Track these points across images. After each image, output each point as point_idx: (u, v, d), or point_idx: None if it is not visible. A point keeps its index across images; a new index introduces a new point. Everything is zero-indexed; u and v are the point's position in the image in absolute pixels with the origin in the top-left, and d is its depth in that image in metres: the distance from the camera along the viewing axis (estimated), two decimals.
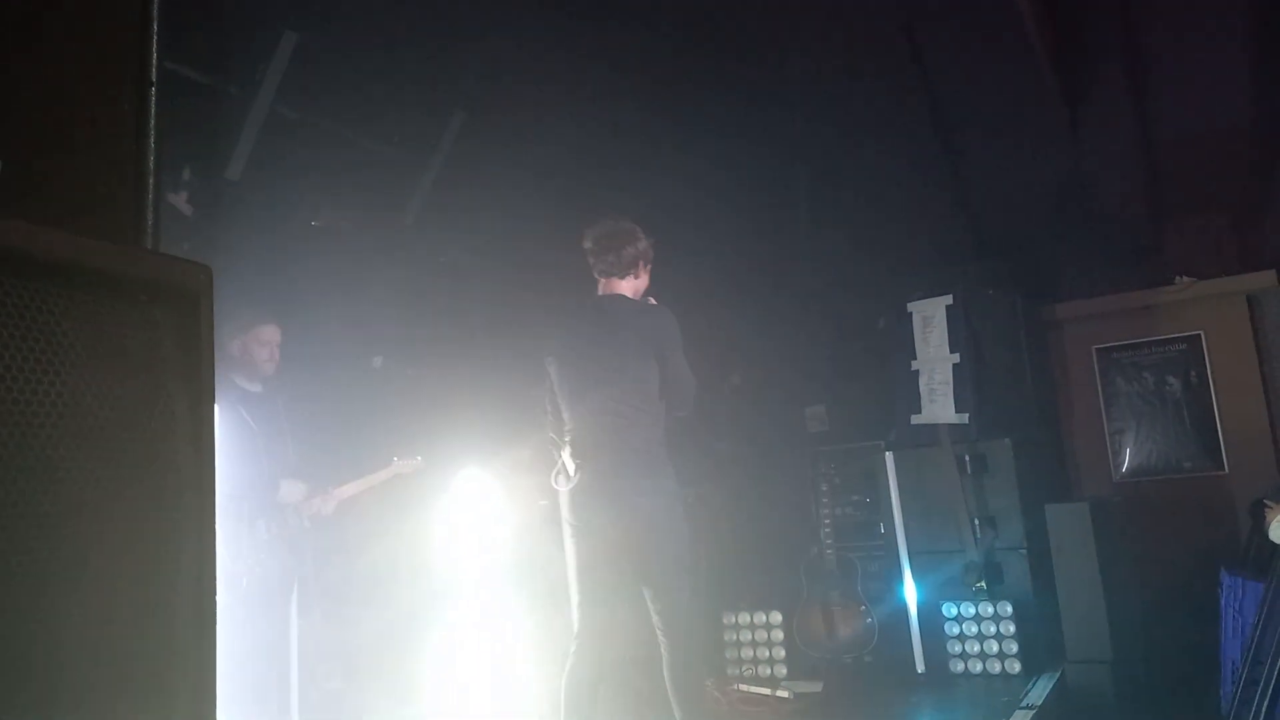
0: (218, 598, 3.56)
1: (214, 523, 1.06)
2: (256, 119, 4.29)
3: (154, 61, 1.17)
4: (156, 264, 1.03)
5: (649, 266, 3.49)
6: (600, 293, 3.46)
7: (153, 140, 1.16)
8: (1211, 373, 5.94)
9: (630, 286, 3.44)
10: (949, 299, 5.58)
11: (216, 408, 3.61)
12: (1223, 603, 4.54)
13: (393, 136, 4.96)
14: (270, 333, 3.96)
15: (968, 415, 5.38)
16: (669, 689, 3.21)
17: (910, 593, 4.98)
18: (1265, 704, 3.69)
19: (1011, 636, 4.79)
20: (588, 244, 3.44)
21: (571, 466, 3.26)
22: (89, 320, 0.93)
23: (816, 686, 4.84)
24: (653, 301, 3.52)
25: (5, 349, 0.83)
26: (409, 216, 5.20)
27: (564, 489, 3.30)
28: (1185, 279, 6.03)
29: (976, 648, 4.86)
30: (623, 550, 3.22)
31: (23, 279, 0.85)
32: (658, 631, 3.25)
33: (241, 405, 3.83)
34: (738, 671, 5.21)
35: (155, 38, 1.21)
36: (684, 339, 3.39)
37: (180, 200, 3.99)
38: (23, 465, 0.85)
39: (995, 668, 4.80)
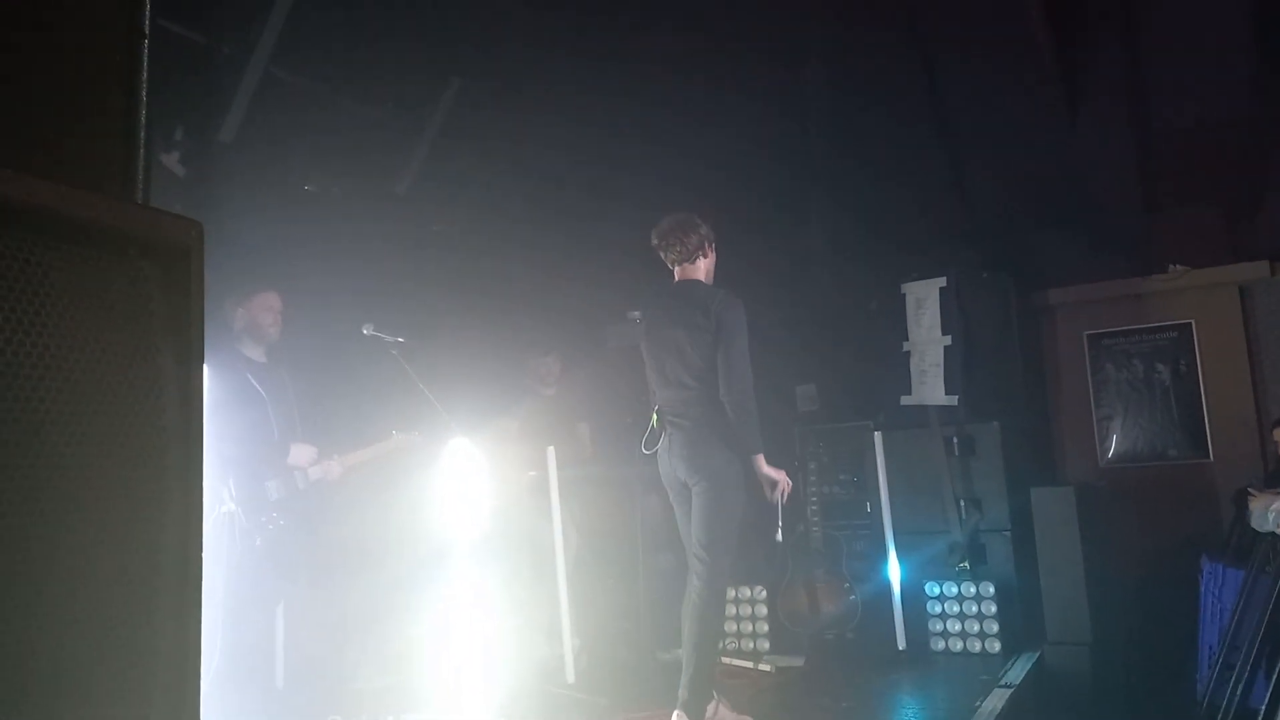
0: (233, 551, 3.53)
1: (200, 480, 1.05)
2: (251, 80, 4.24)
3: (146, 12, 1.15)
4: (146, 217, 1.01)
5: (714, 246, 3.78)
6: (676, 279, 3.79)
7: (144, 93, 1.14)
8: (1200, 361, 5.97)
9: (702, 269, 3.75)
10: (942, 281, 5.59)
11: (227, 378, 3.61)
12: (1202, 589, 4.59)
13: (387, 101, 4.91)
14: (273, 299, 3.98)
15: (957, 398, 5.40)
16: (694, 623, 3.51)
17: (894, 571, 5.02)
18: (1240, 688, 3.74)
19: (992, 616, 4.84)
20: (655, 241, 3.77)
21: (656, 432, 3.65)
22: (75, 273, 0.91)
23: (798, 661, 4.89)
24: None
25: None
26: (403, 184, 5.16)
27: (648, 451, 3.69)
28: (1178, 268, 6.04)
29: (957, 627, 4.91)
30: (683, 509, 3.64)
31: (7, 228, 0.84)
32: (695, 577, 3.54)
33: (249, 373, 3.86)
34: (721, 644, 5.25)
35: None
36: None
37: (173, 160, 3.96)
38: (4, 418, 0.84)
39: (975, 647, 4.85)
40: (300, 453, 3.98)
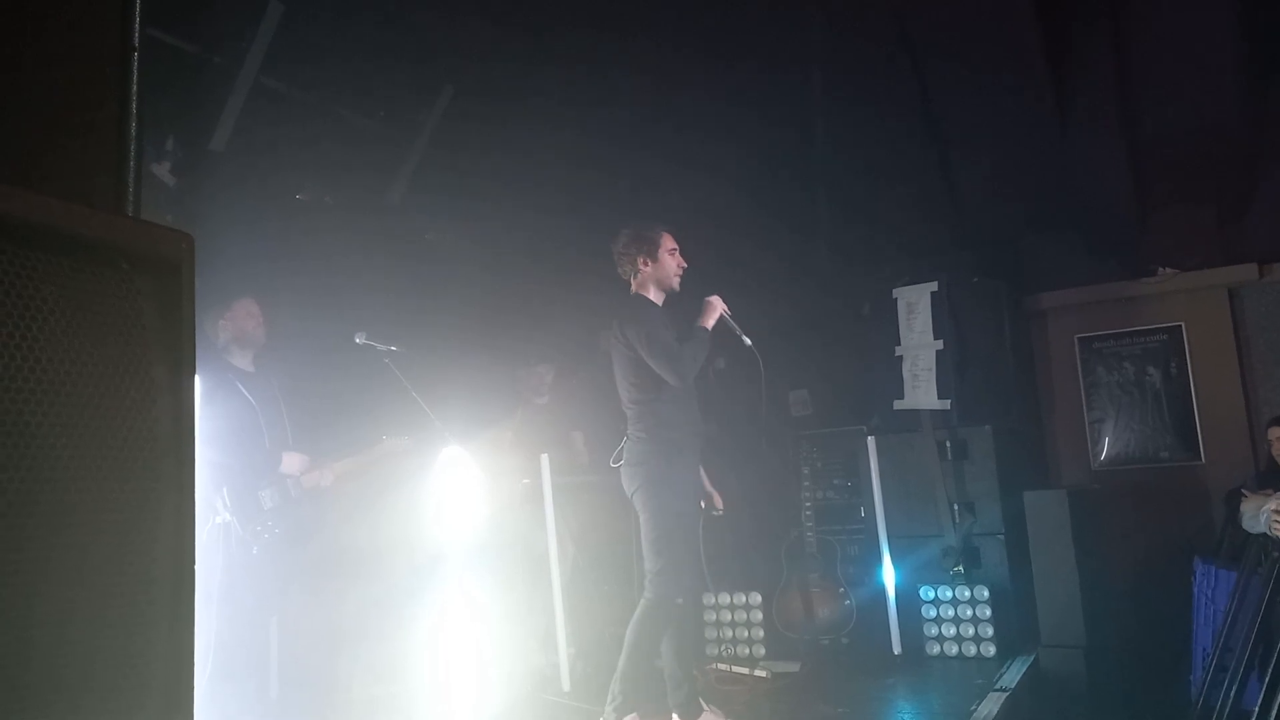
0: (231, 561, 3.50)
1: (193, 490, 1.05)
2: (241, 90, 4.24)
3: (136, 25, 1.16)
4: (137, 231, 1.02)
5: (649, 256, 3.70)
6: None
7: (134, 106, 1.15)
8: (1191, 364, 6.00)
9: (637, 284, 3.74)
10: (934, 286, 5.61)
11: (217, 388, 3.60)
12: (1195, 590, 4.60)
13: (379, 111, 4.91)
14: (252, 305, 3.98)
15: (950, 401, 5.42)
16: (630, 629, 3.55)
17: (889, 576, 5.02)
18: (1234, 690, 3.74)
19: (987, 620, 4.84)
20: None
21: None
22: (67, 285, 0.92)
23: (794, 666, 4.89)
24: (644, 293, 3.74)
25: None
26: (395, 193, 5.16)
27: (614, 465, 3.75)
28: (1168, 270, 6.07)
29: (953, 630, 4.92)
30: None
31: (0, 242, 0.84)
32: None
33: (239, 382, 3.86)
34: (717, 651, 5.25)
35: (139, 2, 1.19)
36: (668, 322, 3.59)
37: (163, 170, 3.95)
38: None
39: (970, 650, 4.86)
40: (292, 461, 3.98)
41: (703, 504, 3.80)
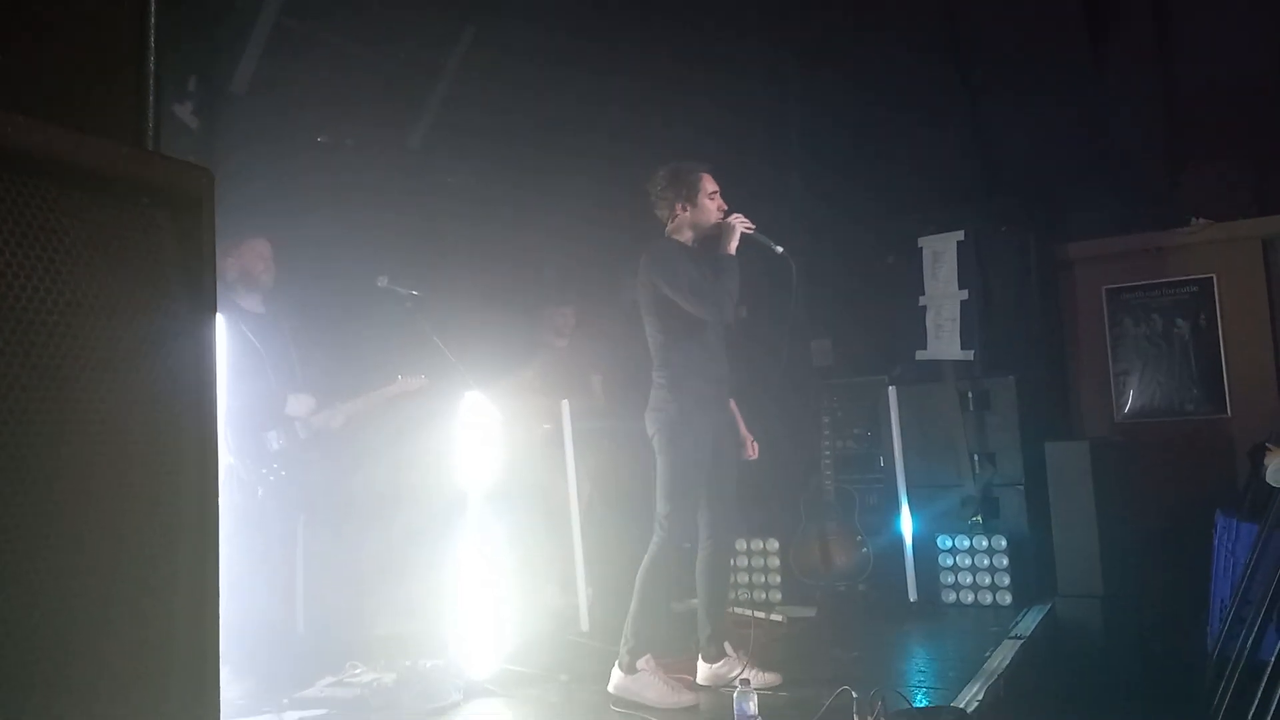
0: (235, 503, 3.52)
1: (215, 430, 1.06)
2: (262, 31, 4.21)
3: None
4: (157, 165, 1.01)
5: (677, 202, 3.58)
6: None
7: (152, 40, 1.14)
8: (1221, 316, 5.90)
9: (671, 228, 3.61)
10: (960, 235, 5.53)
11: (222, 326, 3.55)
12: (1215, 543, 4.59)
13: (400, 52, 4.86)
14: (262, 246, 3.93)
15: (973, 352, 5.38)
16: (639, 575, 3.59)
17: (906, 525, 5.04)
18: (1251, 641, 3.75)
19: (1004, 569, 4.86)
20: None
21: None
22: (89, 220, 0.91)
23: (810, 612, 4.94)
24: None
25: (4, 245, 0.82)
26: (416, 135, 5.13)
27: None
28: (1201, 221, 5.94)
29: (969, 579, 4.94)
30: None
31: (21, 175, 0.84)
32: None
33: (244, 324, 3.83)
34: (733, 595, 5.31)
35: None
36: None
37: (185, 111, 3.94)
38: (25, 365, 0.84)
39: (986, 599, 4.89)
40: (298, 403, 3.95)
41: (741, 451, 3.73)
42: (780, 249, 3.51)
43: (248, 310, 3.92)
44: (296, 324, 4.12)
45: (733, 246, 3.47)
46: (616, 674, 3.46)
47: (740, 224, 3.50)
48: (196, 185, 1.03)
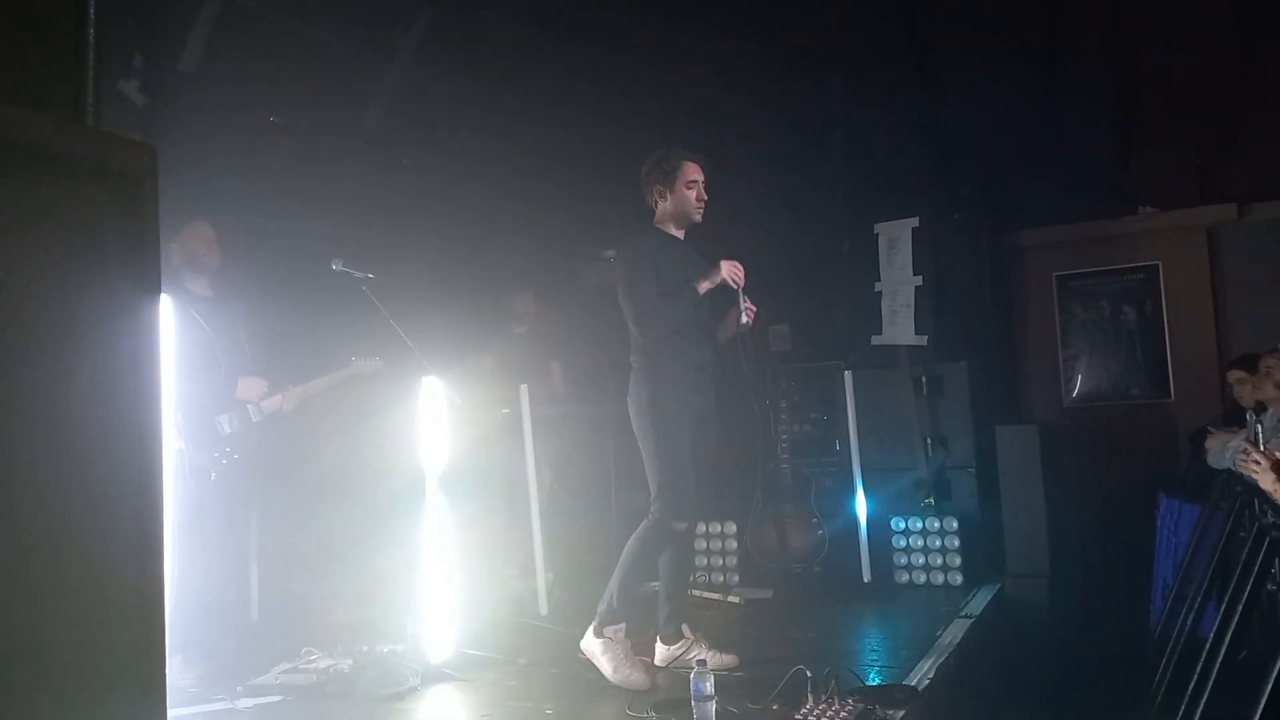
0: (187, 488, 3.42)
1: (159, 411, 1.04)
2: (213, 8, 4.12)
3: None
4: (97, 141, 0.99)
5: (655, 187, 3.58)
6: None
7: (91, 12, 1.11)
8: (1166, 303, 6.05)
9: (656, 216, 3.61)
10: (915, 221, 5.60)
11: (170, 309, 3.44)
12: (1158, 523, 4.72)
13: (356, 31, 4.79)
14: (204, 228, 3.84)
15: (926, 338, 5.46)
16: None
17: (861, 507, 5.12)
18: (1191, 618, 3.87)
19: (955, 550, 4.96)
20: None
21: None
22: (26, 196, 0.90)
23: (766, 593, 5.00)
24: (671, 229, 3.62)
25: None
26: (372, 116, 5.06)
27: None
28: (1149, 209, 6.08)
29: (921, 560, 5.03)
30: None
31: None
32: None
33: (193, 307, 3.76)
34: (691, 578, 5.35)
35: None
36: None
37: (132, 88, 3.85)
38: None
39: (938, 579, 4.98)
40: (248, 386, 3.89)
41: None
42: (746, 320, 3.49)
43: (196, 294, 3.84)
44: (248, 307, 4.04)
45: (704, 288, 3.45)
46: (589, 632, 3.50)
47: (728, 274, 3.47)
48: (138, 161, 1.01)
